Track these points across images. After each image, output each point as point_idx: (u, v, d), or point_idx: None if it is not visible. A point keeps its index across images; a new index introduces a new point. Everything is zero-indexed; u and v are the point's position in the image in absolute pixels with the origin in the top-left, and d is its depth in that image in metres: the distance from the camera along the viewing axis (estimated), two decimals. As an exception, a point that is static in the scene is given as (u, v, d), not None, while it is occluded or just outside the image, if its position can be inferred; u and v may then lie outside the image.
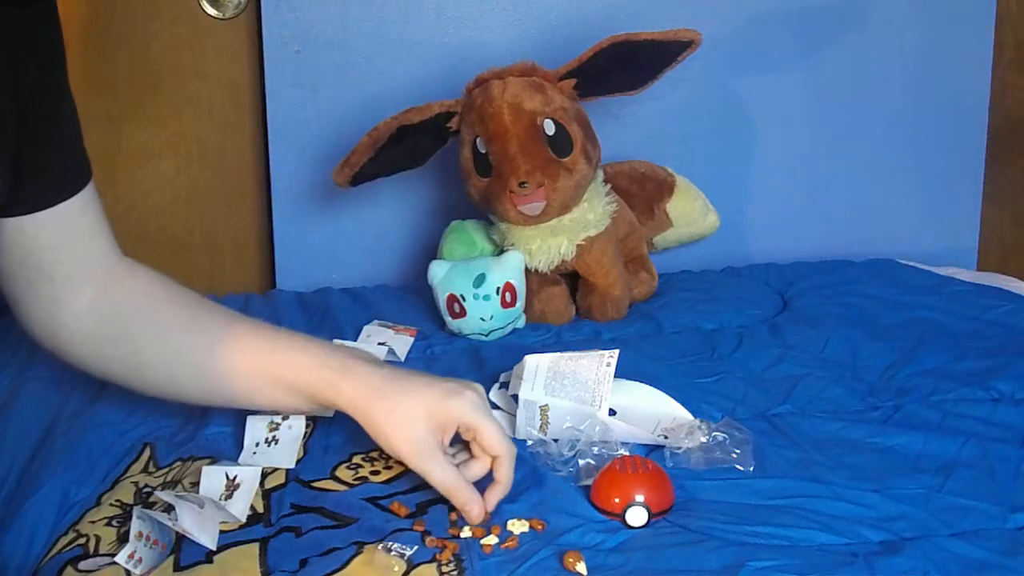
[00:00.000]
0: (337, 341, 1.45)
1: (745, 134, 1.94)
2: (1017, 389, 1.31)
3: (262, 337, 1.10)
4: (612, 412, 1.19)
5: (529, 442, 1.18)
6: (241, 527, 1.03)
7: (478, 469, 1.06)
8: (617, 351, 1.20)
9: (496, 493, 1.03)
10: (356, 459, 1.16)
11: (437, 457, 1.02)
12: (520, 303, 1.56)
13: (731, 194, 1.91)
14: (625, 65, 1.58)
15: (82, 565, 0.97)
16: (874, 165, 1.98)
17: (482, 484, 1.05)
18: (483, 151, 1.56)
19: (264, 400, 1.11)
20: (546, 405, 1.18)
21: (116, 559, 0.94)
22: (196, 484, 1.08)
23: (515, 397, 1.22)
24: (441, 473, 1.01)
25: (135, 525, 0.96)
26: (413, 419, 1.02)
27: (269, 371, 1.08)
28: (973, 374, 1.35)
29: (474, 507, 1.01)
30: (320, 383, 1.06)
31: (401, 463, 1.15)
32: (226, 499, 1.06)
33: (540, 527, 1.01)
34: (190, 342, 1.10)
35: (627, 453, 1.10)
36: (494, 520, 1.02)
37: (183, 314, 1.11)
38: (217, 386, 1.10)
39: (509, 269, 1.55)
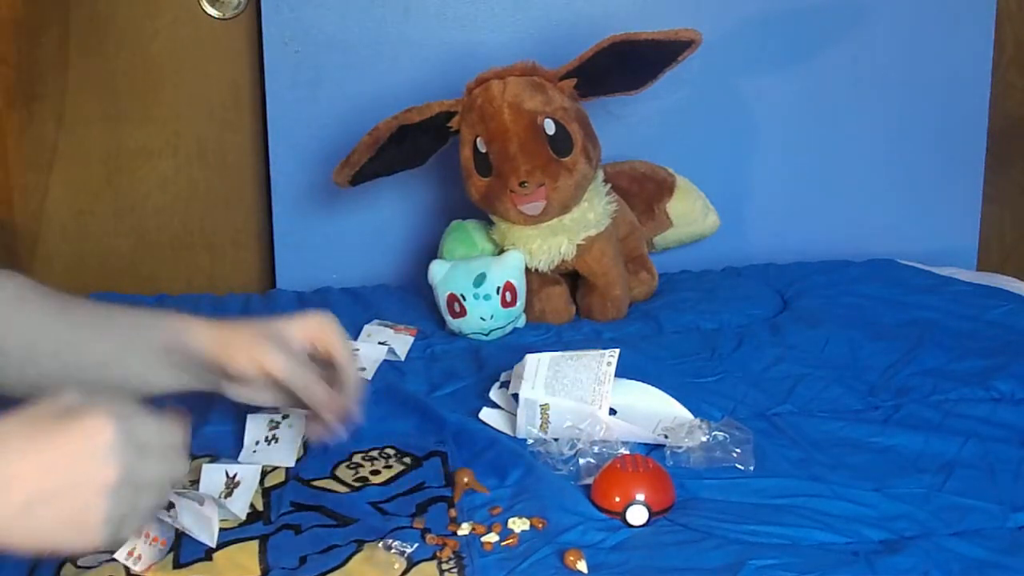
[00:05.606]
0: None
1: (745, 134, 1.94)
2: (1017, 389, 1.31)
3: (129, 315, 1.09)
4: (612, 411, 1.19)
5: (530, 441, 1.19)
6: (241, 525, 1.03)
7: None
8: (617, 350, 1.20)
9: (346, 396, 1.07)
10: (356, 458, 1.16)
11: (288, 353, 1.04)
12: (520, 303, 1.56)
13: (731, 194, 1.91)
14: (625, 65, 1.58)
15: (81, 561, 0.97)
16: (874, 165, 1.97)
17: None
18: (483, 151, 1.56)
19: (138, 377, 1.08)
20: (547, 404, 1.18)
21: (115, 556, 0.94)
22: (195, 482, 1.08)
23: (516, 396, 1.21)
24: (288, 363, 1.03)
25: None
26: (271, 328, 1.06)
27: (142, 342, 1.07)
28: (973, 374, 1.35)
29: (321, 395, 1.05)
30: (176, 326, 1.07)
31: (402, 462, 1.15)
32: (226, 497, 1.05)
33: (540, 525, 1.01)
34: (63, 337, 1.06)
35: (627, 452, 1.10)
36: (495, 518, 1.02)
37: (53, 311, 1.07)
38: (95, 375, 1.07)
39: (509, 269, 1.55)
